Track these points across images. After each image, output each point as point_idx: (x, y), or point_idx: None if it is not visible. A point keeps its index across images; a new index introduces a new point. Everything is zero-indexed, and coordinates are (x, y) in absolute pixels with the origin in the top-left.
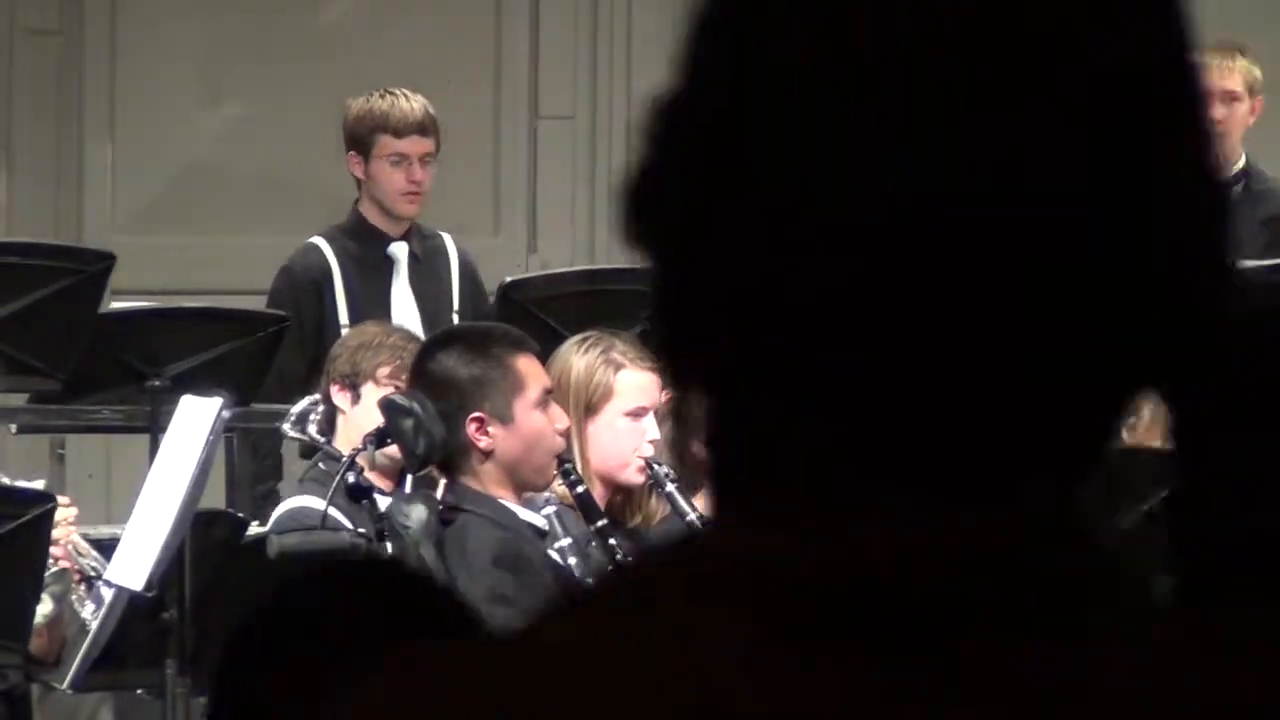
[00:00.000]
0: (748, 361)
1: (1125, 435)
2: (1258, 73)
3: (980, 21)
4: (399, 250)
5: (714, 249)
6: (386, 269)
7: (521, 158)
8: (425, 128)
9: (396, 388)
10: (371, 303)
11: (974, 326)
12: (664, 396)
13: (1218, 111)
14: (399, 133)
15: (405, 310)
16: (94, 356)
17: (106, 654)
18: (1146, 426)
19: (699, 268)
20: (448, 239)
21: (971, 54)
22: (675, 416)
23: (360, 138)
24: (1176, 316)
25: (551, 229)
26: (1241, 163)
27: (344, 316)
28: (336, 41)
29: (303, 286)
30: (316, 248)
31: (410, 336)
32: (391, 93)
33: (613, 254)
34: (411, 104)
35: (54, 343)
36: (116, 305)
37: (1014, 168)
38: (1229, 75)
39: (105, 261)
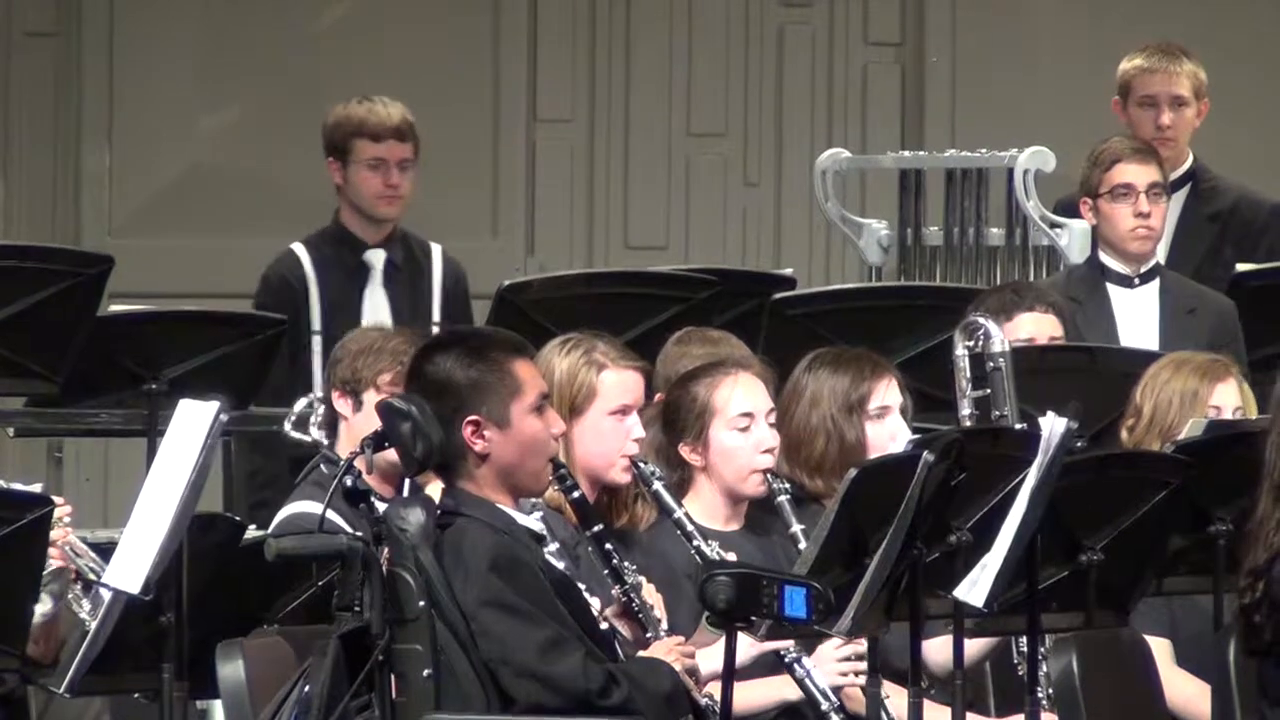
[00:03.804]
0: None
1: (1125, 437)
2: (1203, 75)
3: None
4: (374, 257)
5: None
6: (361, 276)
7: (520, 161)
8: (403, 133)
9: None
10: (345, 308)
11: None
12: (656, 398)
13: (1165, 117)
14: (376, 137)
15: (377, 318)
16: (91, 359)
17: (104, 657)
18: (1145, 428)
19: None
20: (436, 250)
21: None
22: (663, 420)
23: (338, 144)
24: None
25: (550, 232)
26: (1189, 163)
27: (317, 322)
28: (333, 46)
29: (279, 292)
30: (293, 253)
31: (413, 340)
32: (369, 99)
33: (611, 257)
34: (389, 110)
35: (51, 346)
36: (114, 308)
37: None
38: (1176, 80)
39: (103, 264)
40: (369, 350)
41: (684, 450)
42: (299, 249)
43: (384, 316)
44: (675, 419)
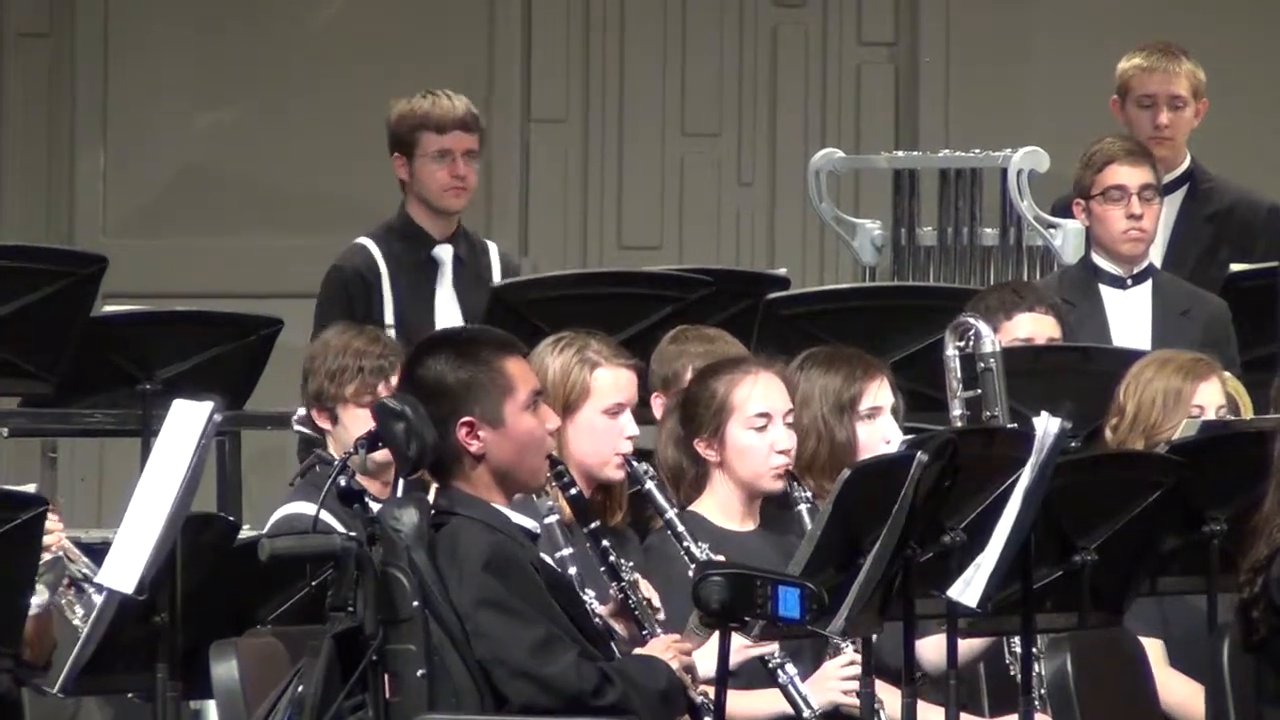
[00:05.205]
0: None
1: (1109, 436)
2: (1201, 75)
3: None
4: (444, 252)
5: None
6: (431, 271)
7: (514, 161)
8: (467, 123)
9: (370, 400)
10: (416, 305)
11: None
12: (653, 396)
13: (1163, 116)
14: (441, 128)
15: (449, 314)
16: (86, 360)
17: (97, 657)
18: (1128, 427)
19: None
20: (493, 249)
21: None
22: (681, 413)
23: (403, 138)
24: None
25: (543, 232)
26: (1186, 164)
27: (389, 317)
28: (328, 45)
29: (353, 284)
30: (364, 248)
31: (374, 338)
32: (433, 93)
33: (605, 257)
34: (453, 102)
35: (46, 346)
36: (108, 309)
37: None
38: (1175, 80)
39: (97, 265)
40: (326, 370)
41: (700, 445)
42: (368, 243)
43: (455, 315)
44: (693, 413)
